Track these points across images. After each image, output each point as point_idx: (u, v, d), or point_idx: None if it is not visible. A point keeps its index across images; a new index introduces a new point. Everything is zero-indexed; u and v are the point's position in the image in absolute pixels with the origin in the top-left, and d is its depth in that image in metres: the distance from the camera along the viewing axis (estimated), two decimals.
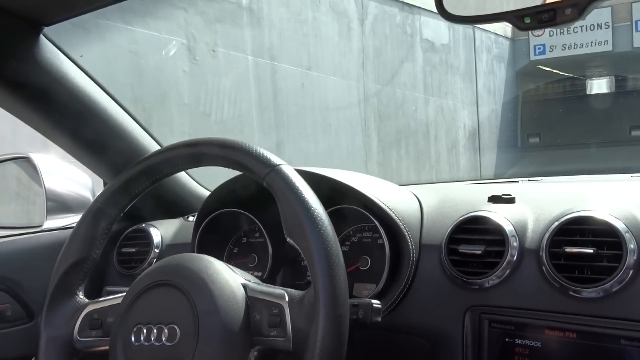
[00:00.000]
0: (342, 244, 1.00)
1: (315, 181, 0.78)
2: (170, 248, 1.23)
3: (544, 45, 10.48)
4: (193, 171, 1.35)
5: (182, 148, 0.81)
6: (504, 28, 10.01)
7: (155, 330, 0.71)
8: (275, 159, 0.74)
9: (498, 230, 0.87)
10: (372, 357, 0.97)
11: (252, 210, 1.09)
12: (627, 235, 0.77)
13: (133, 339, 0.73)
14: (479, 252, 0.86)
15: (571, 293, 0.79)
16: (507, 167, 9.67)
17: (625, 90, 10.27)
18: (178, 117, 4.22)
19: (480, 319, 0.86)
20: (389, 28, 7.56)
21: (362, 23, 6.94)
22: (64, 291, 0.83)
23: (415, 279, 0.92)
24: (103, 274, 1.26)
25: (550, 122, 9.90)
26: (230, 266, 0.76)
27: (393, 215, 0.94)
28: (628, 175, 1.21)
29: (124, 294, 0.78)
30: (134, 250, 1.26)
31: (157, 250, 1.24)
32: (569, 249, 0.80)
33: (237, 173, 0.96)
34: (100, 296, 0.88)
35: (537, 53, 10.61)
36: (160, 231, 1.27)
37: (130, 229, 1.30)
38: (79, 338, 0.81)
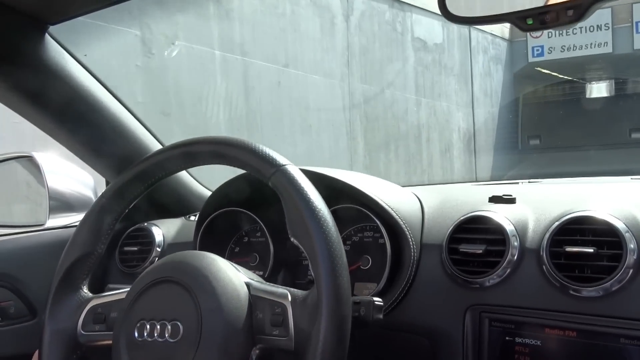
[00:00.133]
0: (343, 243, 1.01)
1: (318, 180, 0.78)
2: (172, 247, 1.24)
3: (542, 46, 10.29)
4: (194, 171, 1.36)
5: (191, 146, 0.81)
6: (502, 29, 9.86)
7: (158, 327, 0.72)
8: (280, 159, 0.75)
9: (499, 229, 0.87)
10: (372, 356, 0.98)
11: (253, 210, 1.10)
12: (627, 235, 0.78)
13: (136, 334, 0.73)
14: (480, 252, 0.87)
15: (571, 292, 0.79)
16: (504, 170, 9.49)
17: (625, 93, 10.18)
18: None
19: (480, 318, 0.86)
20: (377, 25, 7.14)
21: (347, 19, 6.52)
22: (68, 285, 0.83)
23: (416, 278, 0.93)
24: (105, 273, 1.26)
25: (551, 124, 9.81)
26: (234, 264, 0.77)
27: (394, 214, 0.95)
28: (628, 178, 1.22)
29: (128, 289, 0.79)
30: (136, 249, 1.26)
31: (159, 249, 1.24)
32: (569, 249, 0.80)
33: (239, 172, 0.97)
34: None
35: (535, 55, 10.40)
36: (162, 230, 1.28)
37: (132, 228, 1.30)
38: (82, 332, 0.81)
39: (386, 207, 0.95)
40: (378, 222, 0.95)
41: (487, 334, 0.86)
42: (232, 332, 0.70)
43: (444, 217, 0.97)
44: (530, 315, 0.83)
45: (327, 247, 0.68)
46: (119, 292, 0.82)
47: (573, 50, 10.08)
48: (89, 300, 0.83)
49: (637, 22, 9.65)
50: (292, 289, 0.72)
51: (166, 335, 0.71)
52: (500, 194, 0.96)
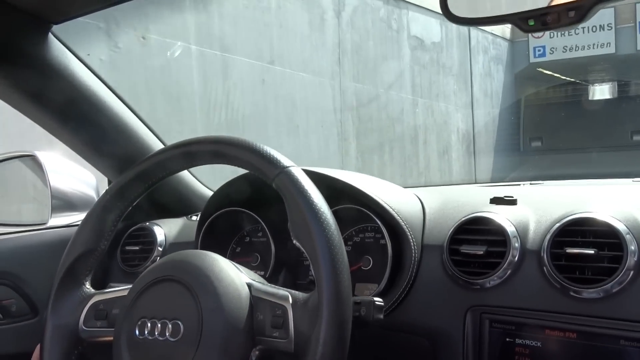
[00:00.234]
0: (345, 244, 1.01)
1: (319, 181, 0.79)
2: (174, 247, 1.24)
3: (544, 47, 10.08)
4: (196, 170, 1.36)
5: (195, 145, 0.81)
6: (502, 29, 9.66)
7: (159, 325, 0.72)
8: (285, 161, 0.75)
9: (500, 230, 0.87)
10: (372, 356, 0.98)
11: (255, 210, 1.10)
12: (627, 237, 0.78)
13: (137, 332, 0.73)
14: (481, 253, 0.87)
15: (572, 293, 0.79)
16: (505, 172, 9.30)
17: (628, 95, 10.09)
18: None
19: (481, 319, 0.86)
20: (371, 22, 6.79)
21: (338, 15, 6.15)
22: (71, 281, 0.84)
23: (416, 279, 0.93)
24: (107, 272, 1.27)
25: (553, 126, 9.70)
26: (236, 264, 0.77)
27: (396, 215, 0.95)
28: (629, 180, 1.22)
29: (131, 286, 0.79)
30: (137, 248, 1.27)
31: (160, 249, 1.24)
32: (570, 250, 0.80)
33: (240, 173, 0.97)
34: None
35: (537, 55, 10.17)
36: (163, 230, 1.28)
37: (134, 227, 1.31)
38: (84, 328, 0.82)
39: (387, 207, 0.95)
40: (379, 222, 0.96)
41: (488, 335, 0.86)
42: (233, 333, 0.70)
43: (445, 218, 0.97)
44: (530, 316, 0.83)
45: (329, 252, 0.68)
46: (121, 289, 0.82)
47: (575, 50, 9.88)
48: (91, 296, 0.83)
49: None
50: (293, 291, 0.72)
51: (167, 334, 0.71)
52: (502, 196, 0.96)
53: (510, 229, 0.87)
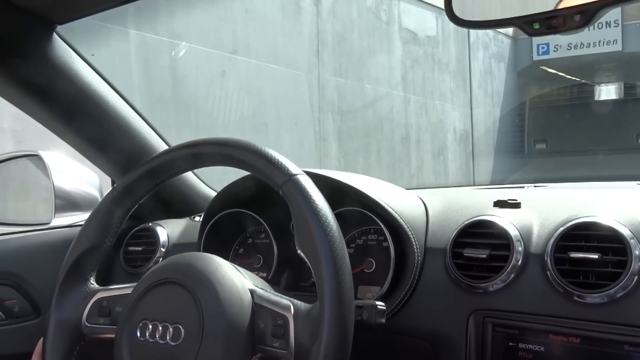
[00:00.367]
0: (347, 246, 1.01)
1: (322, 183, 0.78)
2: (177, 247, 1.24)
3: (547, 44, 9.72)
4: (199, 171, 1.36)
5: (204, 146, 0.81)
6: None
7: (160, 328, 0.72)
8: (293, 168, 0.74)
9: (503, 234, 0.87)
10: (374, 359, 0.98)
11: (258, 211, 1.10)
12: (632, 242, 0.77)
13: (138, 334, 0.73)
14: (484, 256, 0.87)
15: (575, 298, 0.79)
16: (506, 175, 8.98)
17: (634, 97, 9.97)
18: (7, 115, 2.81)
19: (484, 323, 0.86)
20: (357, 12, 6.28)
21: (317, 2, 5.64)
22: (76, 276, 0.84)
23: (419, 282, 0.93)
24: (109, 273, 1.27)
25: (557, 129, 9.59)
26: (240, 269, 0.77)
27: (398, 218, 0.95)
28: (634, 183, 1.21)
29: (135, 284, 0.79)
30: (140, 249, 1.27)
31: (163, 250, 1.25)
32: (573, 254, 0.80)
33: (244, 174, 0.97)
34: None
35: (540, 53, 9.80)
36: (166, 230, 1.28)
37: (137, 228, 1.31)
38: (86, 324, 0.82)
39: (390, 210, 0.95)
40: (382, 225, 0.95)
41: (491, 339, 0.85)
42: (233, 340, 0.70)
43: (448, 221, 0.97)
44: (533, 320, 0.82)
45: (333, 266, 0.68)
46: (125, 287, 0.83)
47: (580, 48, 9.53)
48: (95, 292, 0.84)
49: None
50: (295, 301, 0.71)
51: (167, 338, 0.71)
52: (505, 199, 0.95)
53: (513, 232, 0.87)
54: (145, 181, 0.86)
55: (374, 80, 6.65)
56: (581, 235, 0.82)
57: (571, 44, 9.65)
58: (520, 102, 10.36)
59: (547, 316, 0.81)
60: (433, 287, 0.92)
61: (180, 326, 0.71)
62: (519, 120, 10.14)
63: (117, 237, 0.88)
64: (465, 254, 0.88)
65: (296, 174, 0.74)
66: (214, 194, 1.34)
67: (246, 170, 0.79)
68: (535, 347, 0.82)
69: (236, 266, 0.77)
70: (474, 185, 1.45)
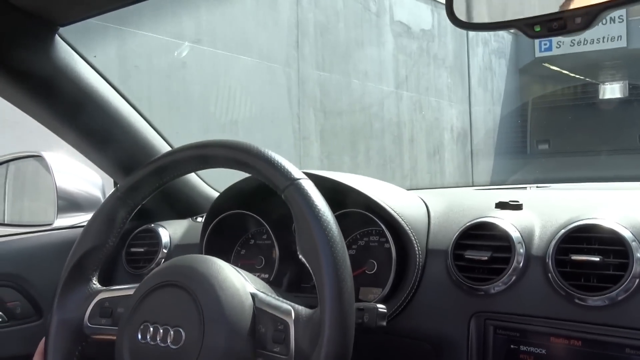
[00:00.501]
0: (349, 247, 1.01)
1: (323, 184, 0.78)
2: (179, 248, 1.24)
3: (550, 40, 9.29)
4: (202, 172, 1.36)
5: (208, 148, 0.82)
6: None
7: (161, 331, 0.72)
8: (295, 172, 0.75)
9: (505, 236, 0.87)
10: None
11: (260, 213, 1.10)
12: (633, 244, 0.77)
13: (139, 336, 0.74)
14: (485, 258, 0.87)
15: (577, 301, 0.79)
16: (507, 175, 8.65)
17: (638, 98, 9.89)
18: None
19: (485, 325, 0.86)
20: (342, 1, 5.81)
21: None
22: (78, 276, 0.85)
23: (421, 284, 0.93)
24: (111, 274, 1.27)
25: (560, 129, 9.50)
26: (241, 272, 0.77)
27: (400, 219, 0.95)
28: (637, 184, 1.21)
29: (138, 284, 0.79)
30: (142, 250, 1.27)
31: (165, 251, 1.25)
32: (575, 257, 0.80)
33: (247, 175, 0.97)
34: None
35: (542, 49, 9.45)
36: (168, 231, 1.28)
37: (139, 229, 1.31)
38: (88, 324, 0.83)
39: (391, 211, 0.95)
40: (383, 226, 0.95)
41: (492, 342, 0.85)
42: (234, 345, 0.70)
43: (449, 223, 0.97)
44: (535, 323, 0.82)
45: (334, 272, 0.68)
46: (127, 288, 0.83)
47: (584, 44, 9.21)
48: (97, 292, 0.84)
49: None
50: (296, 306, 0.72)
51: (168, 341, 0.71)
52: (507, 200, 0.95)
53: (515, 234, 0.87)
54: (148, 182, 0.86)
55: (362, 75, 6.14)
56: (582, 237, 0.81)
57: (574, 40, 9.25)
58: (522, 100, 10.10)
59: (549, 319, 0.81)
60: (434, 288, 0.91)
61: (181, 329, 0.71)
62: (521, 120, 10.04)
63: (119, 238, 0.88)
64: (466, 256, 0.88)
65: (299, 179, 0.74)
66: (216, 194, 1.34)
67: (249, 173, 0.79)
68: (536, 350, 0.82)
69: (238, 269, 0.77)
70: (473, 185, 1.44)
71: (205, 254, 1.08)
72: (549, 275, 0.81)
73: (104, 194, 1.32)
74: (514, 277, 0.84)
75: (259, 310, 0.72)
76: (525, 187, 1.27)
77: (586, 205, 0.90)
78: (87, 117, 1.12)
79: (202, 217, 1.32)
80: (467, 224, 0.92)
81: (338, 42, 5.76)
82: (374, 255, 1.00)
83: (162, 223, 1.31)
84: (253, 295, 0.73)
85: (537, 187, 1.27)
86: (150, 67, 3.84)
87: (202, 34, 4.19)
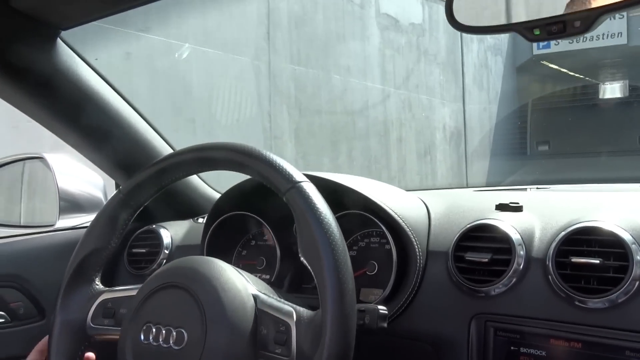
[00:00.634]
0: (349, 248, 1.01)
1: (324, 186, 0.79)
2: (180, 249, 1.25)
3: None
4: (203, 174, 1.37)
5: (209, 151, 0.82)
6: None
7: (164, 332, 0.73)
8: (297, 175, 0.75)
9: (505, 238, 0.87)
10: None
11: (261, 214, 1.10)
12: (633, 247, 0.77)
13: (142, 337, 0.74)
14: (486, 260, 0.87)
15: (577, 303, 0.79)
16: (503, 178, 8.36)
17: (638, 99, 9.85)
18: None
19: (485, 327, 0.86)
20: None
21: None
22: (81, 277, 0.85)
23: (421, 285, 0.93)
24: (113, 274, 1.28)
25: (560, 130, 9.45)
26: (243, 273, 0.77)
27: (400, 221, 0.95)
28: (637, 185, 1.21)
29: (140, 285, 0.80)
30: (144, 251, 1.28)
31: (166, 251, 1.25)
32: (575, 259, 0.80)
33: (247, 177, 0.97)
34: None
35: (540, 46, 9.14)
36: (170, 232, 1.29)
37: (140, 230, 1.31)
38: (91, 325, 0.83)
39: (392, 213, 0.95)
40: (384, 228, 0.96)
41: (492, 343, 0.85)
42: (236, 346, 0.70)
43: (450, 224, 0.97)
44: (535, 325, 0.82)
45: (335, 275, 0.68)
46: (129, 288, 0.83)
47: (583, 41, 8.87)
48: (100, 293, 0.85)
49: None
50: (298, 308, 0.72)
51: (171, 342, 0.72)
52: (507, 201, 0.96)
53: (515, 236, 0.87)
54: (151, 184, 0.87)
55: (344, 71, 5.67)
56: (583, 239, 0.82)
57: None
58: (520, 99, 9.90)
59: (549, 321, 0.81)
60: (435, 290, 0.92)
61: (183, 330, 0.71)
62: (521, 121, 9.98)
63: (121, 239, 0.89)
64: (467, 258, 0.89)
65: (300, 181, 0.74)
66: (217, 196, 1.35)
67: (250, 175, 0.80)
68: (536, 352, 0.82)
69: (240, 270, 0.78)
70: (470, 186, 1.44)
71: (207, 255, 1.09)
72: (549, 277, 0.82)
73: (105, 195, 1.33)
74: (514, 279, 0.85)
75: (261, 312, 0.72)
76: (525, 189, 1.27)
77: (586, 207, 0.90)
78: (88, 118, 1.12)
79: (203, 218, 1.32)
80: (468, 226, 0.92)
81: (316, 34, 5.29)
82: (374, 257, 1.00)
83: (164, 224, 1.32)
84: (255, 297, 0.74)
85: (537, 188, 1.28)
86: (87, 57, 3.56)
87: (150, 22, 3.69)
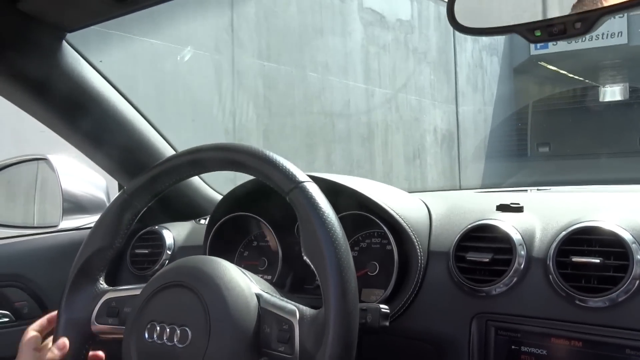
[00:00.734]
0: (351, 249, 1.02)
1: (326, 187, 0.80)
2: (182, 250, 1.25)
3: None
4: (205, 175, 1.38)
5: (211, 151, 0.83)
6: None
7: (168, 330, 0.73)
8: (300, 175, 0.76)
9: (506, 238, 0.88)
10: None
11: (262, 215, 1.11)
12: (633, 246, 0.78)
13: (146, 335, 0.75)
14: (487, 260, 0.87)
15: (577, 302, 0.80)
16: (500, 181, 7.87)
17: (638, 101, 9.82)
18: None
19: (486, 326, 0.87)
20: None
21: None
22: (86, 276, 0.86)
23: (423, 285, 0.93)
24: (116, 275, 1.29)
25: (561, 132, 9.43)
26: (246, 273, 0.78)
27: (402, 221, 0.96)
28: (637, 186, 1.22)
29: (144, 285, 0.80)
30: (146, 251, 1.28)
31: (169, 252, 1.26)
32: (575, 259, 0.81)
33: (249, 178, 0.98)
34: None
35: (538, 46, 8.88)
36: (172, 233, 1.29)
37: (143, 231, 1.32)
38: (95, 323, 0.84)
39: (393, 213, 0.96)
40: (385, 228, 0.96)
41: (493, 342, 0.86)
42: (239, 344, 0.71)
43: (451, 225, 0.98)
44: (536, 324, 0.83)
45: (338, 273, 0.69)
46: (133, 288, 0.84)
47: (582, 41, 8.40)
48: (104, 292, 0.86)
49: None
50: (301, 306, 0.73)
51: (175, 340, 0.72)
52: (508, 202, 0.96)
53: (516, 236, 0.88)
54: (154, 184, 0.87)
55: (322, 68, 5.22)
56: (583, 239, 0.82)
57: None
58: (517, 101, 9.72)
59: (550, 320, 0.82)
60: (436, 290, 0.92)
61: (187, 329, 0.72)
62: (522, 123, 9.97)
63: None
64: (468, 258, 0.89)
65: (303, 181, 0.75)
66: (219, 197, 1.35)
67: (254, 175, 0.81)
68: (537, 351, 0.82)
69: (243, 270, 0.78)
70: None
71: (209, 255, 1.09)
72: (550, 276, 0.82)
73: (108, 196, 1.34)
74: (515, 279, 0.85)
75: (264, 311, 0.73)
76: (526, 190, 1.28)
77: (586, 207, 0.91)
78: (92, 120, 1.13)
79: (205, 219, 1.33)
80: (469, 226, 0.93)
81: (289, 28, 4.83)
82: (376, 257, 1.01)
83: (166, 225, 1.32)
84: (258, 296, 0.74)
85: (537, 189, 1.28)
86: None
87: None
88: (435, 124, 7.16)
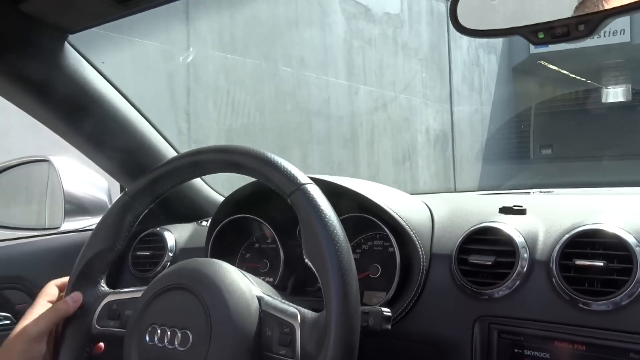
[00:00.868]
0: (353, 251, 1.01)
1: (328, 189, 0.79)
2: (184, 252, 1.25)
3: None
4: (207, 177, 1.37)
5: (212, 153, 0.83)
6: None
7: (169, 333, 0.73)
8: (301, 177, 0.75)
9: (509, 241, 0.88)
10: None
11: (264, 217, 1.11)
12: (637, 249, 0.78)
13: (147, 338, 0.75)
14: (489, 263, 0.87)
15: (581, 305, 0.79)
16: (498, 182, 7.79)
17: None
18: None
19: (489, 329, 0.86)
20: None
21: None
22: (87, 278, 0.86)
23: (425, 288, 0.93)
24: (117, 277, 1.28)
25: (563, 134, 9.39)
26: (248, 275, 0.78)
27: (404, 224, 0.95)
28: None
29: (145, 287, 0.80)
30: (148, 253, 1.28)
31: (170, 254, 1.26)
32: (579, 262, 0.80)
33: (251, 180, 0.98)
34: None
35: (538, 45, 9.22)
36: (174, 235, 1.29)
37: (145, 232, 1.32)
38: (97, 326, 0.84)
39: (395, 216, 0.96)
40: (387, 231, 0.96)
41: (496, 346, 0.86)
42: (240, 347, 0.71)
43: (453, 227, 0.97)
44: (539, 327, 0.83)
45: (340, 276, 0.68)
46: (134, 290, 0.84)
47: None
48: (105, 294, 0.85)
49: None
50: (302, 309, 0.72)
51: (176, 343, 0.72)
52: (511, 205, 0.96)
53: (519, 239, 0.87)
54: (156, 186, 0.87)
55: (297, 62, 4.79)
56: (586, 242, 0.82)
57: None
58: (516, 100, 9.57)
59: (553, 323, 0.81)
60: (438, 293, 0.92)
61: (188, 332, 0.72)
62: (524, 125, 9.94)
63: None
64: (470, 261, 0.89)
65: (305, 183, 0.75)
66: (221, 199, 1.35)
67: (255, 177, 0.80)
68: (540, 354, 0.82)
69: (244, 272, 0.78)
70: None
71: (211, 257, 1.09)
72: (553, 280, 0.82)
73: (110, 198, 1.34)
74: (518, 282, 0.85)
75: (265, 313, 0.73)
76: (529, 192, 1.28)
77: (590, 210, 0.90)
78: (94, 121, 1.13)
79: (207, 221, 1.33)
80: (471, 229, 0.92)
81: (257, 18, 4.39)
82: (378, 260, 1.00)
83: (168, 227, 1.32)
84: (259, 299, 0.74)
85: (540, 192, 1.28)
86: None
87: None
88: (427, 123, 6.82)
